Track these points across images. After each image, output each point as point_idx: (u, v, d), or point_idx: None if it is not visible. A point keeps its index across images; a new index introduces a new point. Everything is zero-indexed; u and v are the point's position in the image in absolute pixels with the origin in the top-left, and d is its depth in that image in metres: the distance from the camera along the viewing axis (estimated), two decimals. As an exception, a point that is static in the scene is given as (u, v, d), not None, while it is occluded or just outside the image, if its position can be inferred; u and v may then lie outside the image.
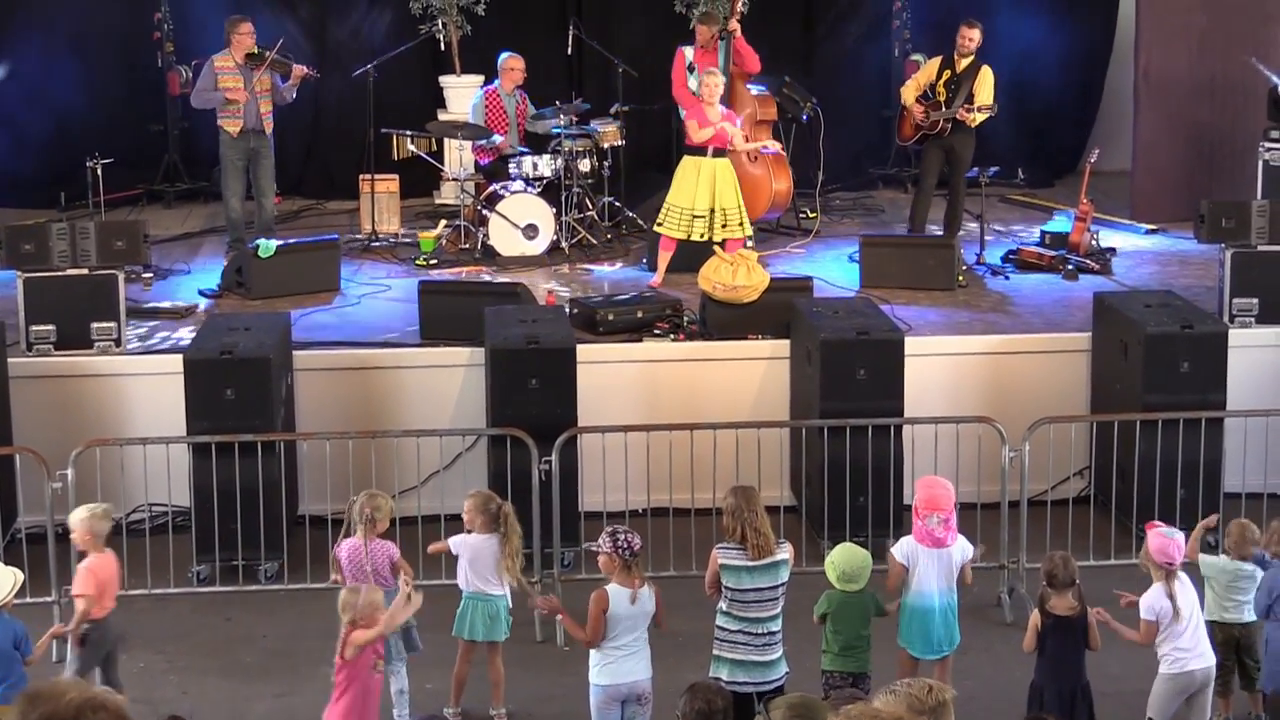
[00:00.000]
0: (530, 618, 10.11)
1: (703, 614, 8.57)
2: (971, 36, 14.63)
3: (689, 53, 15.29)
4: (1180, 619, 8.21)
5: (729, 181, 13.82)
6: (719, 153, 13.77)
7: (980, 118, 14.48)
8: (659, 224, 13.99)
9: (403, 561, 8.95)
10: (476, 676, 9.16)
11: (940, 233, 14.90)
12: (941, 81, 14.67)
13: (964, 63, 14.62)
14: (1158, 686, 8.34)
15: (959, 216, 14.90)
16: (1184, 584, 8.29)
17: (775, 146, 14.56)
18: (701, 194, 13.71)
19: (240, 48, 14.60)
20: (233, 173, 14.76)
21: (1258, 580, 8.65)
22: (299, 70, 14.83)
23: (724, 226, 13.71)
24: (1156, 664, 8.35)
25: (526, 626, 10.08)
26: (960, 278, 13.92)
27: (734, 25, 15.03)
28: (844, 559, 8.46)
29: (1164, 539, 8.26)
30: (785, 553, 8.22)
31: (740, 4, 15.10)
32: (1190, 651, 8.25)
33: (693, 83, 14.77)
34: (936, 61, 14.93)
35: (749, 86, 15.34)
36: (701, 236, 13.66)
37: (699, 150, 13.76)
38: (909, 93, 14.86)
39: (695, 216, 13.71)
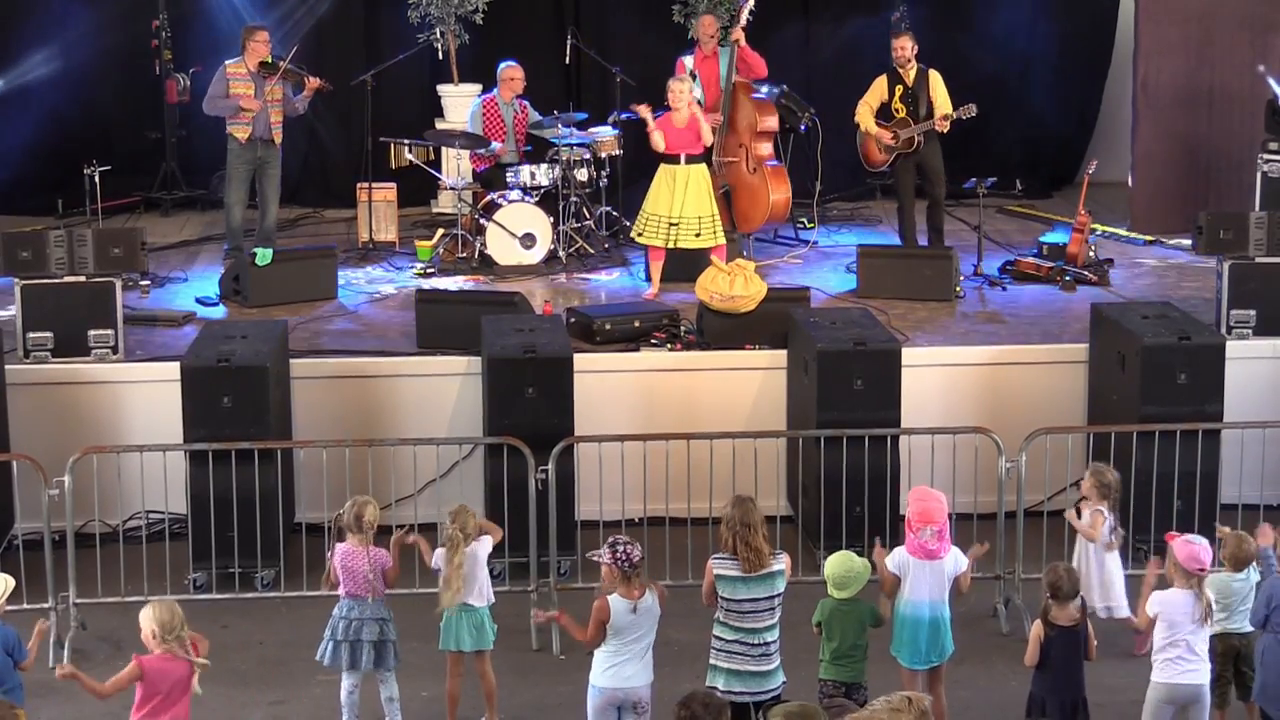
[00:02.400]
0: (526, 626, 10.11)
1: (700, 624, 8.57)
2: (904, 46, 14.67)
3: (689, 62, 15.29)
4: (1196, 628, 8.18)
5: (704, 187, 13.82)
6: (692, 159, 13.77)
7: (949, 122, 14.51)
8: (638, 234, 14.01)
9: (393, 570, 8.96)
10: (470, 687, 9.15)
11: (925, 243, 14.91)
12: (897, 98, 14.68)
13: (911, 74, 14.64)
14: (1149, 694, 8.33)
15: (942, 222, 14.90)
16: (1210, 593, 8.25)
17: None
18: (676, 201, 13.72)
19: (255, 56, 14.57)
20: (237, 181, 14.73)
21: (1253, 589, 8.63)
22: (313, 82, 14.80)
23: (697, 235, 13.71)
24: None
25: (522, 635, 10.08)
26: (958, 288, 13.92)
27: (738, 34, 15.02)
28: (835, 566, 8.45)
29: (1192, 546, 8.21)
30: (780, 564, 8.21)
31: (746, 13, 15.08)
32: (1187, 662, 8.22)
33: (697, 91, 14.74)
34: (883, 80, 14.87)
35: (756, 93, 15.33)
36: (675, 243, 13.69)
37: (672, 158, 13.79)
38: (866, 118, 14.78)
39: (670, 224, 13.72)
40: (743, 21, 15.04)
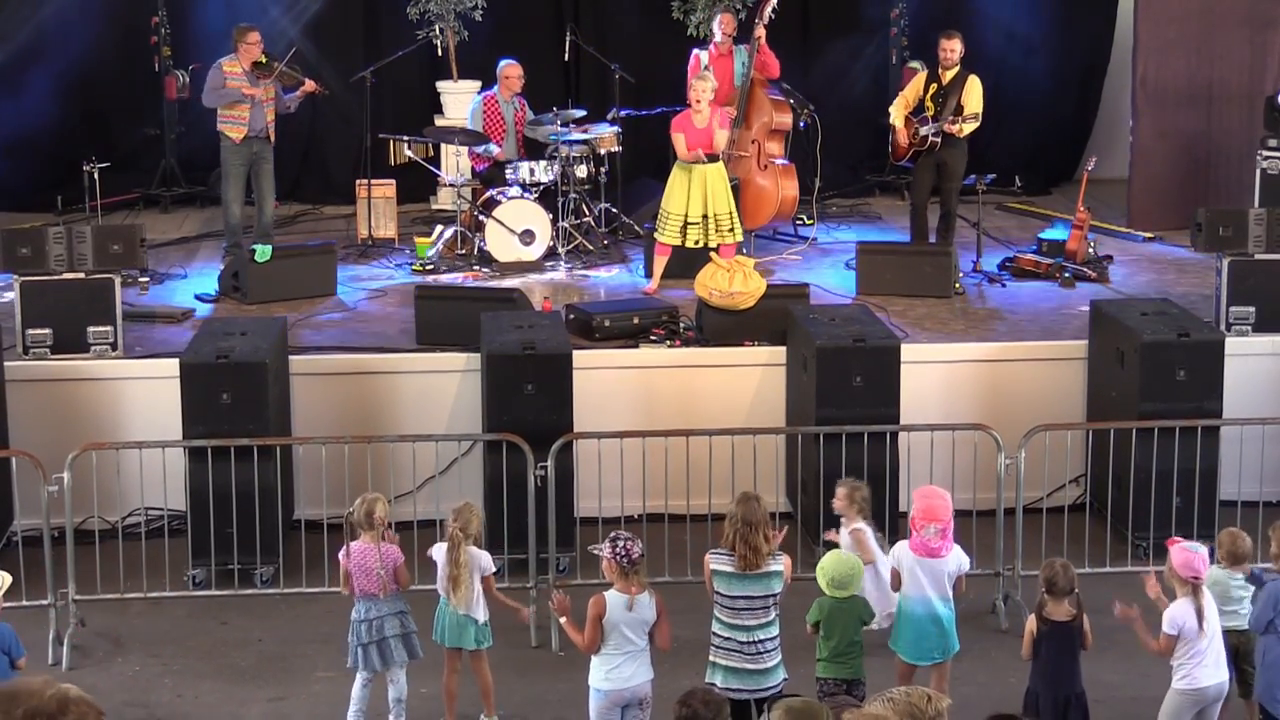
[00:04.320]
0: (525, 624, 10.11)
1: (700, 620, 8.57)
2: (951, 48, 14.58)
3: (704, 56, 15.27)
4: (1204, 635, 8.17)
5: (721, 186, 13.82)
6: (710, 158, 13.77)
7: (969, 128, 14.45)
8: (657, 231, 14.00)
9: (403, 569, 8.95)
10: (469, 684, 9.15)
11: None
12: (929, 96, 14.67)
13: (949, 75, 14.60)
14: (1170, 700, 8.27)
15: (953, 225, 14.88)
16: (1209, 598, 8.24)
17: (722, 141, 14.30)
18: (694, 200, 13.73)
19: (248, 56, 14.60)
20: (234, 178, 14.75)
21: (1250, 587, 8.62)
22: (308, 85, 14.82)
23: (717, 231, 13.74)
24: (1152, 672, 8.34)
25: (521, 632, 10.08)
26: (957, 285, 13.92)
27: (760, 31, 15.01)
28: (834, 565, 8.46)
29: (1188, 553, 8.18)
30: (778, 565, 8.20)
31: (770, 10, 15.06)
32: (1207, 667, 8.20)
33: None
34: (923, 76, 14.89)
35: (772, 91, 15.32)
36: (696, 243, 13.69)
37: None
38: (897, 111, 14.78)
39: (689, 223, 13.73)
40: (765, 19, 15.04)
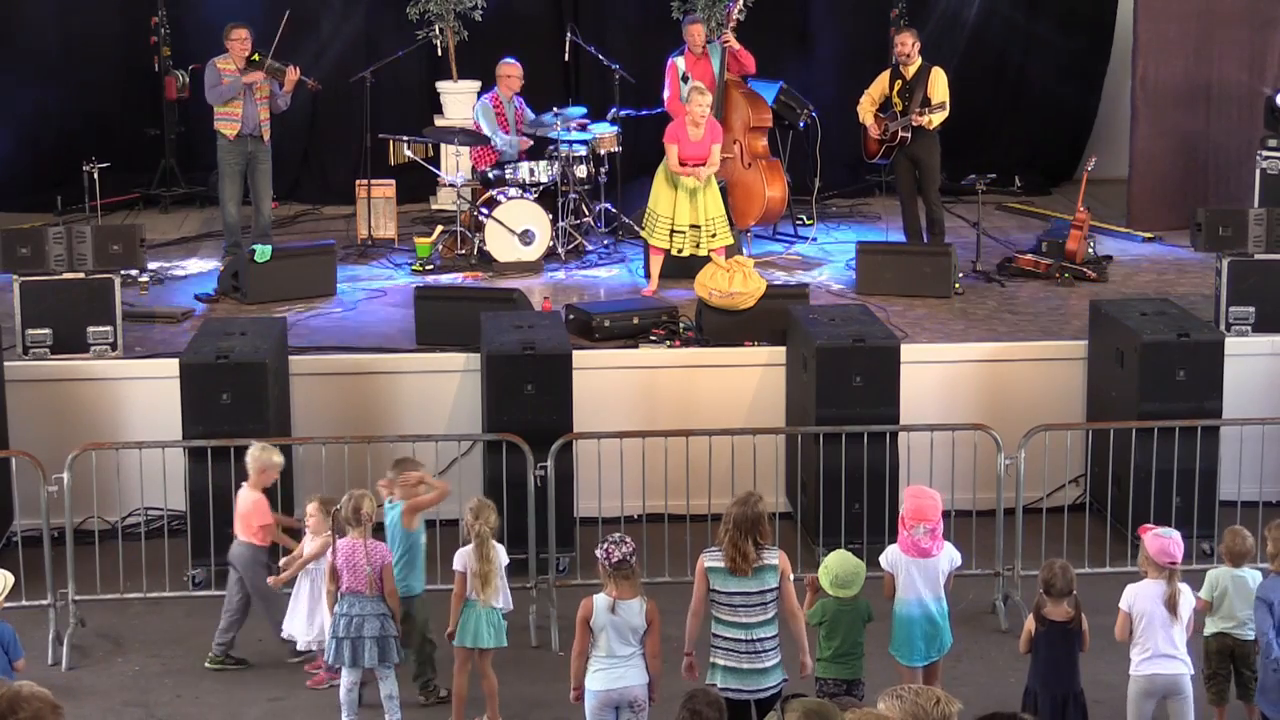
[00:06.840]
0: (525, 623, 10.11)
1: (700, 621, 8.55)
2: (903, 41, 14.68)
3: (681, 63, 15.24)
4: (1177, 620, 8.20)
5: (711, 190, 13.80)
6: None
7: (937, 119, 14.46)
8: (646, 231, 13.98)
9: (390, 571, 8.95)
10: (474, 685, 9.13)
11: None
12: (895, 91, 14.69)
13: (912, 69, 14.64)
14: (1130, 689, 8.37)
15: (940, 221, 14.87)
16: (1185, 588, 8.27)
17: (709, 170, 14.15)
18: (682, 207, 13.71)
19: (238, 55, 14.60)
20: (229, 178, 14.75)
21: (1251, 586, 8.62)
22: (291, 73, 14.72)
23: (714, 236, 13.75)
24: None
25: (521, 631, 10.08)
26: (956, 285, 13.91)
27: (728, 37, 15.01)
28: (837, 565, 8.47)
29: (1161, 539, 8.25)
30: (772, 559, 8.16)
31: (737, 13, 15.07)
32: (1162, 654, 8.23)
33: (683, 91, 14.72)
34: (887, 74, 14.91)
35: (751, 85, 15.30)
36: (680, 251, 13.70)
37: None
38: (865, 109, 14.81)
39: (675, 230, 13.72)
40: (732, 23, 15.04)
